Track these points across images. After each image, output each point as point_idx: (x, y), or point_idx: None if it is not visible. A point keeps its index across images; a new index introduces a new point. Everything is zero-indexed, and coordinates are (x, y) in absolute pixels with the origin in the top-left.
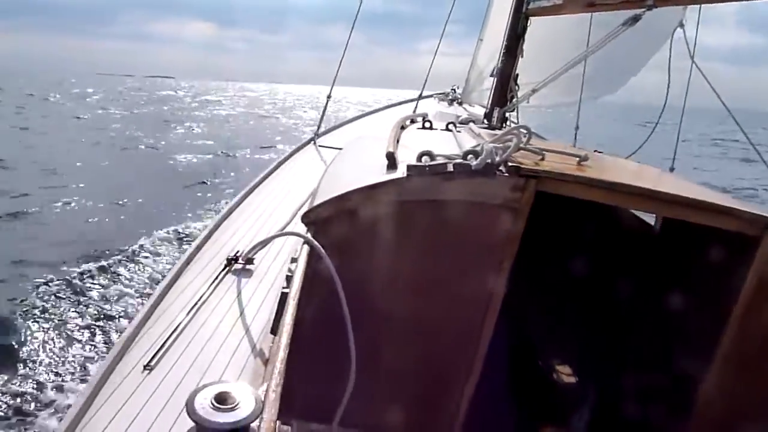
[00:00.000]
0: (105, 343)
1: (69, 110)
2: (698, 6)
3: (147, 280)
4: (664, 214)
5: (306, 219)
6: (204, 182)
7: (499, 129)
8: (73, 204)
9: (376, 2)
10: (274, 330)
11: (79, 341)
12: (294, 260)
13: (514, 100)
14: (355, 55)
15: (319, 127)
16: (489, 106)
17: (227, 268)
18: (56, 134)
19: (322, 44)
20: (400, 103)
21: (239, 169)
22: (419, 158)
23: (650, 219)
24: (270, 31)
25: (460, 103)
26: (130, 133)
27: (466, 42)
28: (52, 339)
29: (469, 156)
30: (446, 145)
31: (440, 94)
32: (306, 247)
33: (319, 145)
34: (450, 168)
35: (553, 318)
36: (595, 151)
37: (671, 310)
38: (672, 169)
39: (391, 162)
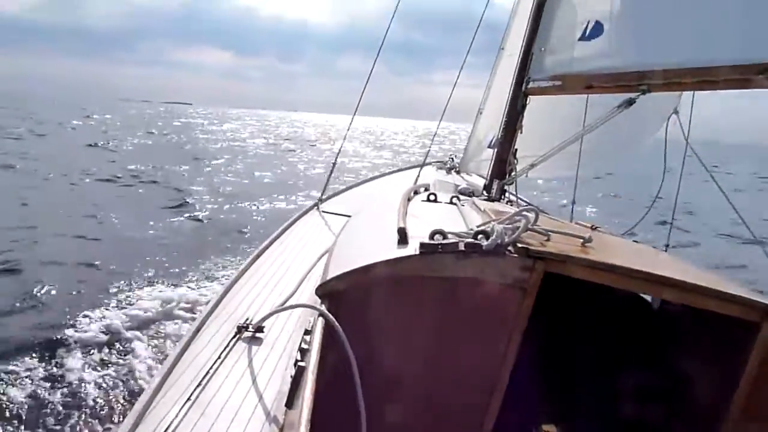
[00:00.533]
0: (119, 413)
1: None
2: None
3: (159, 347)
4: (665, 297)
5: (321, 291)
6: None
7: (498, 201)
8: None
9: (393, 32)
10: (290, 403)
11: (93, 408)
12: (308, 332)
13: (513, 173)
14: (371, 83)
15: (323, 192)
16: (488, 178)
17: (237, 336)
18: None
19: (338, 73)
20: (401, 170)
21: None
22: (432, 236)
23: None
24: (287, 60)
25: (458, 172)
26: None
27: (482, 74)
28: (65, 408)
29: (480, 236)
30: (454, 221)
31: (438, 162)
32: (321, 320)
33: (323, 211)
34: (461, 247)
35: (559, 393)
36: (592, 226)
37: (671, 391)
38: (667, 246)
39: (403, 237)
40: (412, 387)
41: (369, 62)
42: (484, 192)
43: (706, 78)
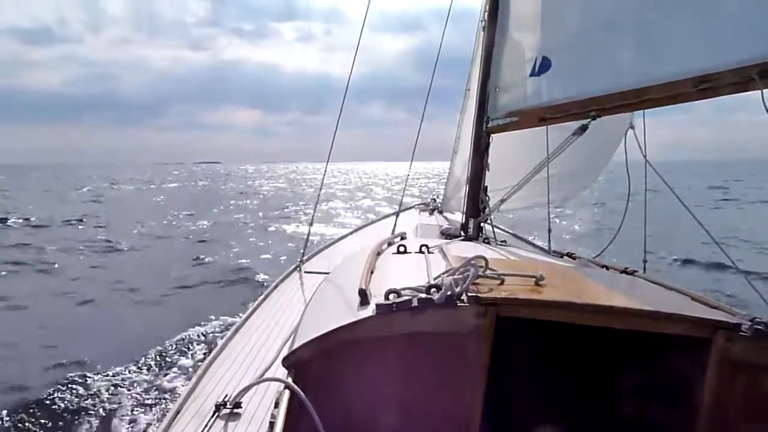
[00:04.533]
0: None
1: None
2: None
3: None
4: (617, 326)
5: (286, 362)
6: None
7: (476, 238)
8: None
9: (412, 80)
10: None
11: None
12: (277, 405)
13: (486, 210)
14: (398, 130)
15: (303, 253)
16: (463, 217)
17: (216, 414)
18: None
19: (362, 121)
20: (384, 218)
21: None
22: (386, 296)
23: None
24: (312, 112)
25: (441, 212)
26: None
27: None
28: None
29: (432, 290)
30: (416, 274)
31: (421, 204)
32: (287, 392)
33: (305, 271)
34: (414, 303)
35: (537, 427)
36: (568, 253)
37: (642, 413)
38: (645, 262)
39: (363, 298)
40: None
41: (390, 109)
42: (462, 232)
43: (646, 97)
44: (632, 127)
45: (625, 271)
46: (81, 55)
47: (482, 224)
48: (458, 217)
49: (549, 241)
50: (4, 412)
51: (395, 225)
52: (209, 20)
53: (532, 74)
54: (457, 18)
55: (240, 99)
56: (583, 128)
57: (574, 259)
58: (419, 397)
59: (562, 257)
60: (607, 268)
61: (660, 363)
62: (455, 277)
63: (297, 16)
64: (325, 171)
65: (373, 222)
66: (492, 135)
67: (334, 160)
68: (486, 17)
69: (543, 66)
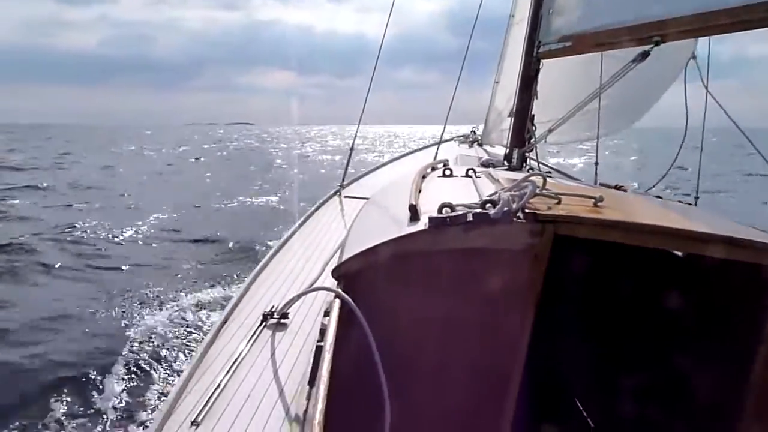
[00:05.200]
0: (155, 398)
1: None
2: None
3: (192, 336)
4: (680, 250)
5: (336, 273)
6: None
7: (520, 169)
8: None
9: (446, 42)
10: (312, 381)
11: (129, 394)
12: (327, 314)
13: (532, 140)
14: (430, 93)
15: (343, 178)
16: (508, 147)
17: (263, 324)
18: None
19: (394, 84)
20: (422, 148)
21: None
22: (440, 210)
23: None
24: (344, 76)
25: (481, 145)
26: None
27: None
28: (101, 394)
29: (487, 205)
30: (466, 194)
31: (461, 137)
32: (337, 301)
33: (345, 196)
34: (469, 218)
35: (582, 356)
36: (617, 185)
37: (700, 341)
38: (697, 198)
39: (414, 214)
40: (430, 359)
41: (423, 73)
42: (506, 162)
43: (715, 22)
44: (694, 57)
45: (680, 203)
46: (115, 16)
47: (527, 155)
48: (498, 150)
49: (596, 173)
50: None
51: (436, 154)
52: None
53: None
54: None
55: (272, 60)
56: (645, 55)
57: (624, 191)
58: (468, 314)
59: (609, 189)
60: (661, 198)
61: (718, 293)
62: (512, 193)
63: None
64: (356, 134)
65: (412, 152)
66: (542, 61)
67: (366, 122)
68: None
69: None
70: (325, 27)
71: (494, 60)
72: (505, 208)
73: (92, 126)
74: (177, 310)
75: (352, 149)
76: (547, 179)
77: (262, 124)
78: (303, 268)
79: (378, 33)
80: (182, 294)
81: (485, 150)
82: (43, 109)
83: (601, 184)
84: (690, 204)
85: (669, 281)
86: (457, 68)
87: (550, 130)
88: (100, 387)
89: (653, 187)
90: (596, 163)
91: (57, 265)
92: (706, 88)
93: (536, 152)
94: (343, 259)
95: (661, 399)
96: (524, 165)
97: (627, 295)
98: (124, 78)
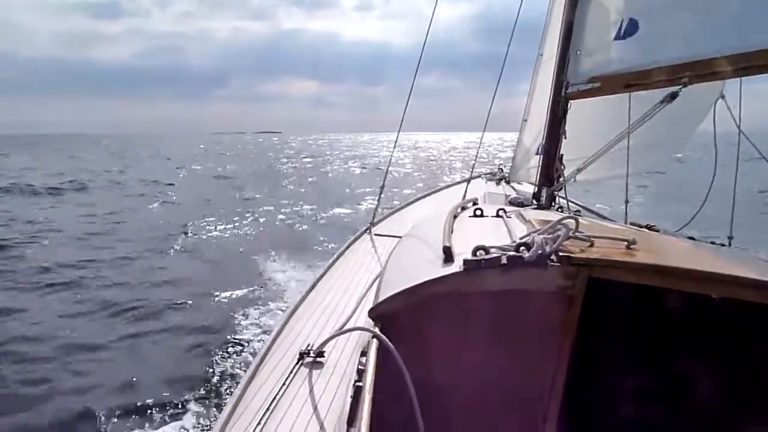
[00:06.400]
0: None
1: None
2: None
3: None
4: (716, 294)
5: (372, 313)
6: None
7: (549, 208)
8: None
9: (470, 47)
10: (350, 422)
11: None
12: (364, 353)
13: (561, 179)
14: (454, 100)
15: (374, 216)
16: (537, 186)
17: (300, 362)
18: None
19: (419, 92)
20: (450, 185)
21: None
22: (474, 252)
23: None
24: (369, 83)
25: (508, 182)
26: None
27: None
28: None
29: (522, 248)
30: (498, 235)
31: (488, 174)
32: (375, 341)
33: (376, 234)
34: (504, 261)
35: (617, 400)
36: (647, 225)
37: (735, 386)
38: (731, 238)
39: (448, 255)
40: (468, 401)
41: (447, 79)
42: (534, 201)
43: (744, 64)
44: (722, 96)
45: (712, 244)
46: (148, 29)
47: (555, 194)
48: (526, 188)
49: (626, 212)
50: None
51: (466, 191)
52: None
53: (617, 38)
54: None
55: (298, 70)
56: (673, 96)
57: (657, 231)
58: (504, 355)
59: (641, 229)
60: (693, 239)
61: (753, 335)
62: (546, 236)
63: None
64: (396, 143)
65: (440, 189)
66: (570, 101)
67: (389, 131)
68: None
69: (629, 29)
70: (350, 35)
71: (525, 64)
72: (540, 251)
73: (133, 135)
74: None
75: (382, 188)
76: (580, 221)
77: (288, 132)
78: (337, 306)
79: (402, 41)
80: None
81: (512, 187)
82: (78, 119)
83: (631, 224)
84: (723, 244)
85: (704, 322)
86: (483, 74)
87: (578, 170)
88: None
89: (684, 227)
90: (626, 202)
91: None
92: (739, 127)
93: (565, 191)
94: (379, 300)
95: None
96: (553, 204)
97: (662, 334)
98: (156, 88)
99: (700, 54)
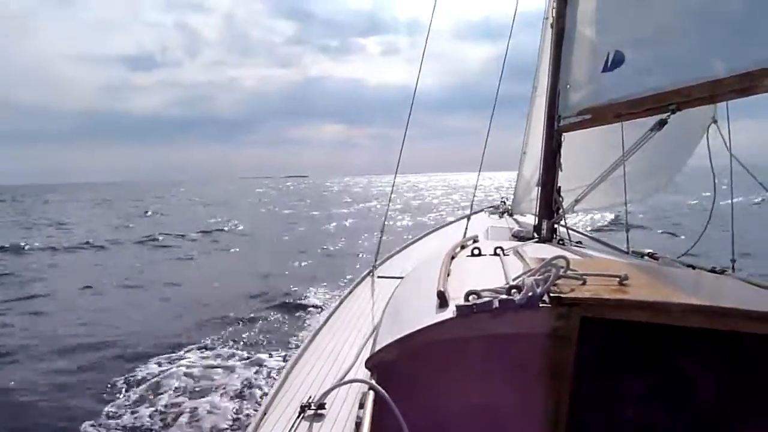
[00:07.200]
0: None
1: None
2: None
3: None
4: (708, 326)
5: (368, 364)
6: None
7: (550, 240)
8: None
9: (495, 87)
10: None
11: None
12: (361, 405)
13: (560, 211)
14: (478, 140)
15: (376, 258)
16: (536, 219)
17: (301, 416)
18: None
19: (444, 133)
20: (454, 221)
21: None
22: (466, 297)
23: None
24: (396, 126)
25: (511, 215)
26: None
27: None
28: None
29: (513, 291)
30: (494, 276)
31: (490, 207)
32: (371, 392)
33: (378, 276)
34: (495, 305)
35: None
36: (649, 253)
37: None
38: (734, 261)
39: (442, 301)
40: None
41: (475, 120)
42: (535, 234)
43: (730, 88)
44: (715, 122)
45: (713, 271)
46: (179, 78)
47: (556, 226)
48: (529, 220)
49: (627, 241)
50: None
51: (467, 228)
52: (296, 38)
53: (604, 69)
54: (532, 21)
55: (325, 113)
56: (662, 123)
57: (656, 259)
58: (501, 400)
59: (642, 257)
60: (693, 268)
61: (755, 366)
62: (536, 277)
63: (381, 30)
64: (394, 182)
65: (442, 226)
66: (564, 134)
67: (417, 172)
68: (553, 14)
69: (616, 60)
70: (376, 80)
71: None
72: (530, 294)
73: (172, 181)
74: None
75: (382, 230)
76: (572, 257)
77: (314, 176)
78: (339, 354)
79: (428, 81)
80: None
81: (515, 220)
82: (117, 167)
83: (633, 252)
84: (725, 269)
85: (703, 356)
86: (508, 113)
87: (576, 200)
88: None
89: (685, 254)
90: (627, 230)
91: None
92: (730, 152)
93: (565, 221)
94: (375, 350)
95: None
96: (554, 235)
97: (661, 371)
98: (187, 136)
99: (685, 80)
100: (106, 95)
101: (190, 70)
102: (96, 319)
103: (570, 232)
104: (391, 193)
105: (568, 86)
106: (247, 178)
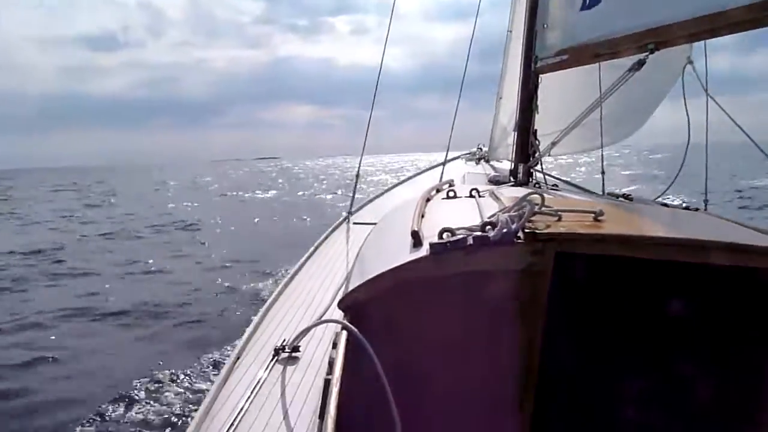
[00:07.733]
0: None
1: None
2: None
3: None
4: (682, 259)
5: (342, 305)
6: None
7: (526, 184)
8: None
9: (473, 67)
10: (321, 415)
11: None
12: (335, 346)
13: (537, 154)
14: (452, 121)
15: (351, 205)
16: (513, 163)
17: (275, 358)
18: None
19: (417, 114)
20: (430, 168)
21: None
22: (440, 235)
23: None
24: (366, 107)
25: (488, 161)
26: None
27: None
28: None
29: (487, 227)
30: (469, 216)
31: (467, 153)
32: (344, 332)
33: (354, 222)
34: (470, 241)
35: (605, 374)
36: (623, 195)
37: (708, 348)
38: (706, 202)
39: (416, 240)
40: (440, 385)
41: (446, 101)
42: (512, 178)
43: (709, 26)
44: (691, 62)
45: (686, 209)
46: (143, 60)
47: (532, 170)
48: (506, 166)
49: (603, 183)
50: None
51: (442, 174)
52: (264, 18)
53: (582, 8)
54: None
55: (296, 95)
56: (641, 63)
57: (631, 200)
58: (475, 337)
59: (617, 199)
60: (667, 206)
61: (726, 299)
62: (510, 214)
63: (350, 9)
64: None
65: (418, 174)
66: (541, 76)
67: (390, 152)
68: None
69: None
70: (346, 59)
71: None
72: (504, 230)
73: (140, 165)
74: None
75: (357, 176)
76: (547, 196)
77: (286, 157)
78: (314, 299)
79: (398, 64)
80: None
81: (492, 166)
82: (84, 151)
83: (608, 194)
84: (698, 209)
85: (676, 289)
86: (480, 93)
87: (553, 144)
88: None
89: (661, 196)
90: (602, 173)
91: None
92: (706, 91)
93: (542, 165)
94: (348, 290)
95: (663, 404)
96: (531, 179)
97: (635, 305)
98: (154, 119)
99: (664, 19)
100: (67, 77)
101: (155, 51)
102: None
103: (546, 177)
104: (358, 175)
105: (545, 26)
106: (219, 161)
